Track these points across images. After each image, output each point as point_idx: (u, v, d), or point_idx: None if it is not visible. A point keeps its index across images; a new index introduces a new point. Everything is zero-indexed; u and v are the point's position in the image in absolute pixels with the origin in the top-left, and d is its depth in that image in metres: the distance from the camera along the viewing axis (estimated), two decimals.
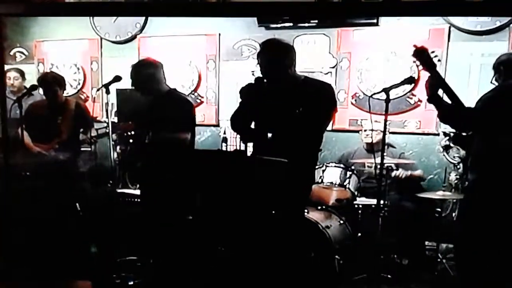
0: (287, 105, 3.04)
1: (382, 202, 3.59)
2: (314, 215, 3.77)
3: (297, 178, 3.03)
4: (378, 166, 3.22)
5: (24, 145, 4.07)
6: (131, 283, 3.48)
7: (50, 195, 3.91)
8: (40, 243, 3.65)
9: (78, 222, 3.90)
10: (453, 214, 4.13)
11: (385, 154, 3.27)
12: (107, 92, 3.54)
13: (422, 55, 2.94)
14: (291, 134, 3.00)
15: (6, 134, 2.68)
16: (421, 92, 4.50)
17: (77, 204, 4.00)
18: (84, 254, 3.85)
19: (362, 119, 4.67)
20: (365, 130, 4.44)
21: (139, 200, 4.14)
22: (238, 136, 3.56)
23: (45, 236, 3.73)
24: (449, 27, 4.43)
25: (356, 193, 3.97)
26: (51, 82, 4.20)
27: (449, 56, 4.42)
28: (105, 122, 4.31)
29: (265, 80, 3.09)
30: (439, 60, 3.10)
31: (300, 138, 3.02)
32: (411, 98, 4.58)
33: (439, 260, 3.92)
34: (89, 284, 3.39)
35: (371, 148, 4.38)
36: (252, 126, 3.27)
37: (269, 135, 3.13)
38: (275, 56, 3.06)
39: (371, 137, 4.29)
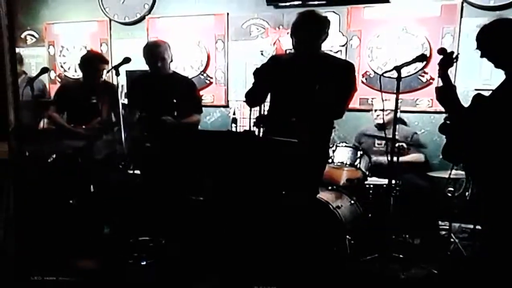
0: (308, 81, 3.02)
1: (393, 181, 3.57)
2: (324, 195, 3.76)
3: (314, 157, 3.03)
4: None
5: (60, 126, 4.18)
6: (144, 263, 3.51)
7: (73, 177, 3.96)
8: (54, 224, 3.70)
9: (91, 203, 3.94)
10: (466, 194, 4.07)
11: (396, 133, 3.23)
12: (117, 74, 3.55)
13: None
14: (311, 110, 2.98)
15: (18, 117, 2.71)
16: (433, 69, 4.43)
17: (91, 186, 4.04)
18: (97, 235, 3.90)
19: (372, 98, 4.60)
20: (375, 110, 4.40)
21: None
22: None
23: (59, 217, 3.78)
24: (462, 3, 4.31)
25: (367, 173, 3.94)
26: (99, 62, 4.23)
27: (462, 32, 4.33)
28: None
29: (286, 53, 3.07)
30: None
31: (320, 116, 3.01)
32: (423, 76, 4.50)
33: (452, 240, 3.89)
34: (102, 264, 3.45)
35: (382, 128, 4.35)
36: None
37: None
38: (314, 30, 3.01)
39: (382, 118, 4.25)
